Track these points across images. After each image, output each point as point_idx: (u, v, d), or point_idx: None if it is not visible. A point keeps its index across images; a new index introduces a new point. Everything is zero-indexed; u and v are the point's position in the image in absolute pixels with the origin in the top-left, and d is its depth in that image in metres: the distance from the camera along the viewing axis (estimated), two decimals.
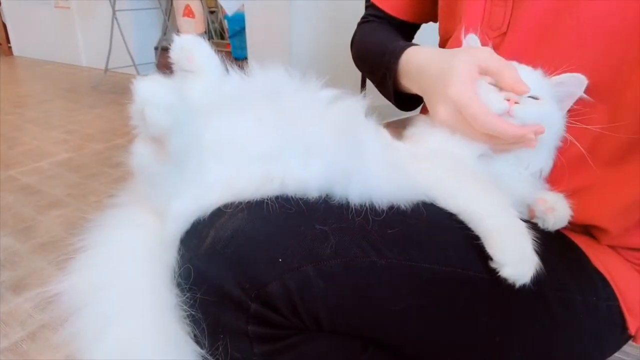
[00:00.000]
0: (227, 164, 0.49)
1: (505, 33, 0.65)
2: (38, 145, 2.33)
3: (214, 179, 0.48)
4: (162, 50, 3.80)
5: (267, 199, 0.48)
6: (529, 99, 0.59)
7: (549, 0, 0.60)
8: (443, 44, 0.80)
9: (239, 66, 0.60)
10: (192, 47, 0.57)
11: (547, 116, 0.59)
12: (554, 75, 0.60)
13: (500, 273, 0.49)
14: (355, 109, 0.57)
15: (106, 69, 3.54)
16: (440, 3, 0.78)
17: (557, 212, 0.59)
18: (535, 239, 0.51)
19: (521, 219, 0.53)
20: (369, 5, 0.93)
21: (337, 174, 0.50)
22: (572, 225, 0.61)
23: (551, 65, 0.59)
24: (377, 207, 0.51)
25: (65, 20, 4.33)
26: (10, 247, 1.45)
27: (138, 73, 3.31)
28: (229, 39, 3.66)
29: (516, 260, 0.50)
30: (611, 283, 0.60)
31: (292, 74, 0.58)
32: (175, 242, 0.48)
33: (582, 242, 0.63)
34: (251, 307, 0.44)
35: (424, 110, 0.78)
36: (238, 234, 0.45)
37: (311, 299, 0.45)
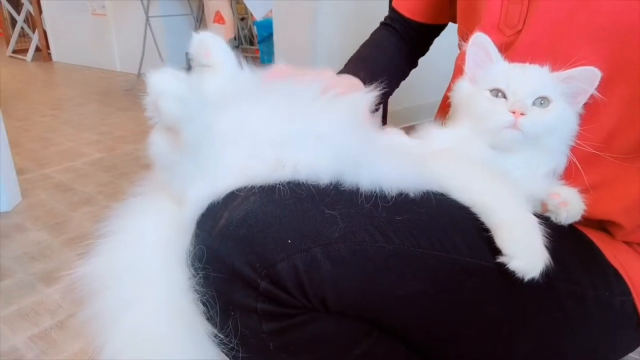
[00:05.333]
0: (242, 150, 0.51)
1: (520, 30, 0.66)
2: (72, 145, 2.41)
3: (229, 164, 0.50)
4: None
5: (278, 184, 0.49)
6: (535, 108, 0.59)
7: None
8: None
9: None
10: (209, 43, 0.60)
11: (555, 122, 0.59)
12: (566, 69, 0.59)
13: (508, 266, 0.49)
14: (366, 101, 0.58)
15: (139, 74, 3.65)
16: (459, 5, 0.79)
17: (570, 206, 0.58)
18: (547, 233, 0.51)
19: (533, 214, 0.53)
20: (390, 8, 0.95)
21: (347, 161, 0.51)
22: (587, 221, 0.61)
23: (565, 60, 0.59)
24: (386, 194, 0.52)
25: (101, 27, 4.47)
26: (44, 241, 1.51)
27: None
28: (258, 45, 3.72)
29: (525, 253, 0.50)
30: (625, 278, 0.59)
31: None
32: (192, 225, 0.51)
33: (596, 237, 0.62)
34: (260, 285, 0.46)
35: (439, 116, 0.79)
36: (249, 216, 0.47)
37: (318, 279, 0.46)
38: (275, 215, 0.47)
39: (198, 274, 0.48)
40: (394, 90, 0.91)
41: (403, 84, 0.94)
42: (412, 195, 0.53)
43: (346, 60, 0.87)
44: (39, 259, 1.42)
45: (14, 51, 5.16)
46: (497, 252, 0.51)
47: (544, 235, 0.51)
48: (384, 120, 0.69)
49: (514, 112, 0.58)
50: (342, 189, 0.51)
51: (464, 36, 0.80)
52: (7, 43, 5.27)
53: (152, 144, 0.49)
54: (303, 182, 0.50)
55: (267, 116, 0.52)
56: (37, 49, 5.03)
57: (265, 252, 0.46)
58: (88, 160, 2.21)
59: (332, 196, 0.50)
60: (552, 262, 0.50)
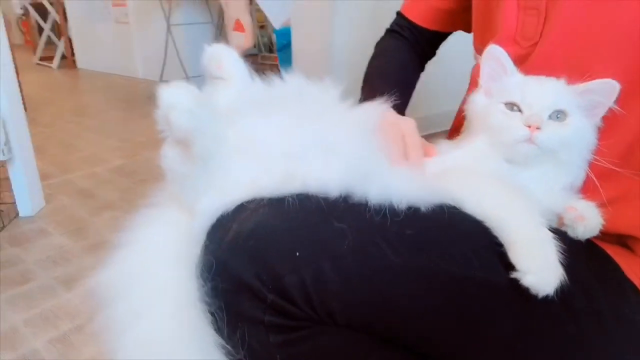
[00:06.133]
0: (252, 162, 0.51)
1: (537, 42, 0.65)
2: (94, 151, 2.46)
3: (238, 176, 0.51)
4: None
5: (288, 197, 0.49)
6: (551, 122, 0.58)
7: (582, 8, 0.59)
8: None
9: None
10: (220, 55, 0.60)
11: (572, 137, 0.58)
12: (585, 82, 0.58)
13: (522, 281, 0.48)
14: (377, 112, 0.58)
15: (160, 81, 3.71)
16: (475, 17, 0.78)
17: (587, 221, 0.57)
18: (562, 249, 0.50)
19: (549, 228, 0.52)
20: (397, 13, 0.94)
21: (357, 175, 0.51)
22: (605, 235, 0.59)
23: (583, 72, 0.58)
24: (396, 207, 0.51)
25: (124, 35, 4.56)
26: (65, 246, 1.54)
27: None
28: (277, 52, 3.75)
29: (539, 269, 0.49)
30: None
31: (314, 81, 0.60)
32: (202, 237, 0.51)
33: (615, 252, 0.60)
34: (268, 297, 0.46)
35: (454, 128, 0.78)
36: (258, 229, 0.47)
37: (326, 293, 0.46)
38: (284, 228, 0.47)
39: (206, 285, 0.48)
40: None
41: (418, 92, 0.93)
42: (423, 208, 0.53)
43: (362, 67, 0.87)
44: (60, 263, 1.45)
45: (41, 59, 5.30)
46: (511, 267, 0.50)
47: (559, 251, 0.50)
48: None
49: (529, 126, 0.57)
50: (352, 201, 0.51)
51: (479, 49, 0.79)
52: (35, 51, 5.41)
53: (164, 157, 0.50)
54: (312, 195, 0.50)
55: (277, 128, 0.52)
56: (63, 57, 5.16)
57: (273, 265, 0.46)
58: (110, 166, 2.25)
59: (341, 209, 0.50)
60: (567, 278, 0.49)
